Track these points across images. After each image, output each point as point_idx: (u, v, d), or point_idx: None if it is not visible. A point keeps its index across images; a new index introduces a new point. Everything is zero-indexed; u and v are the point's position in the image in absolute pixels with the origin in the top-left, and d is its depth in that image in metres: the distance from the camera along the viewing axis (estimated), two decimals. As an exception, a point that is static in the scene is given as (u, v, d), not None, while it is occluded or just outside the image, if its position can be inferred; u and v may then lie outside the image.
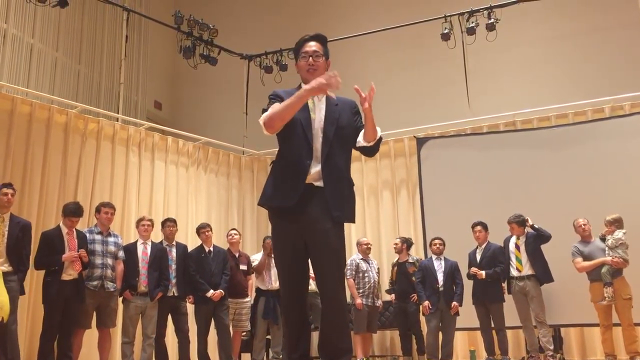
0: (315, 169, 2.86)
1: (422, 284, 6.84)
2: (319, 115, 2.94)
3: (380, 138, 2.94)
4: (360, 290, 7.08)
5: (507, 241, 6.71)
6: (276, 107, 2.83)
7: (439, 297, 6.71)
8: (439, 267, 6.85)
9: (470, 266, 6.77)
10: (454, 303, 6.66)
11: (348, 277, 7.09)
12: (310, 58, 2.96)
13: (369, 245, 7.37)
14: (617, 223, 6.11)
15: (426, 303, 6.70)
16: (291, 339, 2.94)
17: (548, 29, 9.49)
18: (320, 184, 2.86)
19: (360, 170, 9.14)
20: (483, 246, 6.78)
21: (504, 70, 9.56)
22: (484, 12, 8.68)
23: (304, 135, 2.88)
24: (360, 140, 2.95)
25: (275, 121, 2.82)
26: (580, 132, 7.62)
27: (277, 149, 2.99)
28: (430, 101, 9.79)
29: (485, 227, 6.81)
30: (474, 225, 6.86)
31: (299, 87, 2.94)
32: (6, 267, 5.05)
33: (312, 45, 3.00)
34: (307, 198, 2.84)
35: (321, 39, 3.04)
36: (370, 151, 2.98)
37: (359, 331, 7.03)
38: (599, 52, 9.04)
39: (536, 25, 9.51)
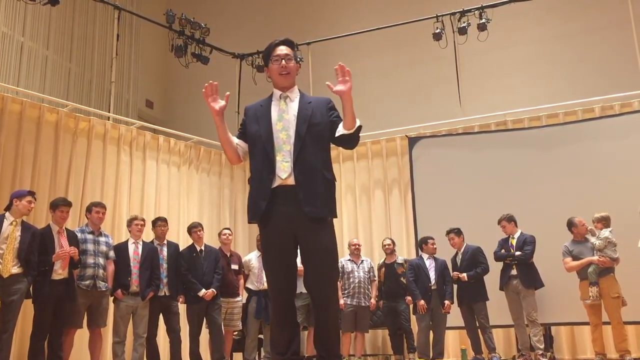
0: (287, 169, 2.88)
1: (415, 282, 6.87)
2: (291, 114, 2.98)
3: (360, 126, 2.91)
4: (346, 291, 7.12)
5: (505, 241, 6.74)
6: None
7: (430, 296, 6.74)
8: (431, 266, 6.89)
9: (453, 270, 6.88)
10: (447, 302, 6.70)
11: None
12: (283, 61, 3.02)
13: (357, 246, 7.40)
14: (605, 221, 6.14)
15: (422, 302, 6.72)
16: (282, 340, 2.94)
17: (539, 29, 9.53)
18: (292, 182, 2.87)
19: (352, 169, 9.15)
20: (462, 250, 6.86)
21: (495, 70, 9.60)
22: (476, 12, 8.73)
23: (263, 148, 2.93)
24: (340, 129, 2.92)
25: (229, 159, 3.12)
26: (570, 132, 7.67)
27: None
28: (422, 101, 9.81)
29: (457, 233, 6.89)
30: (446, 234, 6.93)
31: (271, 95, 3.06)
32: (17, 269, 5.14)
33: (283, 49, 3.06)
34: (282, 199, 2.87)
35: (291, 44, 3.11)
36: (350, 140, 2.94)
37: (345, 331, 7.05)
38: (589, 52, 9.10)
39: (527, 25, 9.55)
